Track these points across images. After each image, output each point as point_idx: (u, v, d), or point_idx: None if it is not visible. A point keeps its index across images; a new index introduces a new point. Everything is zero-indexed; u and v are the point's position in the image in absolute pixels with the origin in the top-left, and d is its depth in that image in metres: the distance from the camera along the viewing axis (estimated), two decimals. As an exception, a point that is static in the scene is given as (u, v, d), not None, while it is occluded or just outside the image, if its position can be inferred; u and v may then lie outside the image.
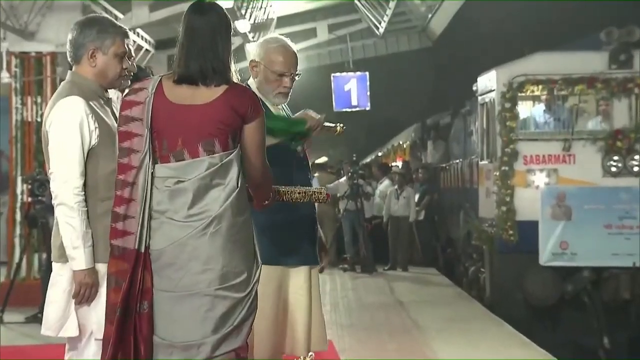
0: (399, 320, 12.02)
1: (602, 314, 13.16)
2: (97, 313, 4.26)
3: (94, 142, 4.32)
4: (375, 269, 18.16)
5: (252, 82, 5.11)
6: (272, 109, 5.07)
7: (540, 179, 13.63)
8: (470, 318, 12.37)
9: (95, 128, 4.33)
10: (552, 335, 13.44)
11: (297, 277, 5.05)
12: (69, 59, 4.52)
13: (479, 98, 15.16)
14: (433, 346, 10.02)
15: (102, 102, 4.46)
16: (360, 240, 18.14)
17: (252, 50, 5.12)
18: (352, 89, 26.51)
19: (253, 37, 24.66)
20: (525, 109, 14.05)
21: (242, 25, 23.35)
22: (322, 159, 21.78)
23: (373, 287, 15.81)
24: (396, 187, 18.70)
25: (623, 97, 13.65)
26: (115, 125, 4.27)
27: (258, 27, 24.77)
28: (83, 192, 4.28)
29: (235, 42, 26.25)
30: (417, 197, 19.70)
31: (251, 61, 5.08)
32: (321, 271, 18.91)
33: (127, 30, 4.60)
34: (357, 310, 12.96)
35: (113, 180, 4.13)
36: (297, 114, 5.15)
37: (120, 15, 14.68)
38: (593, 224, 13.16)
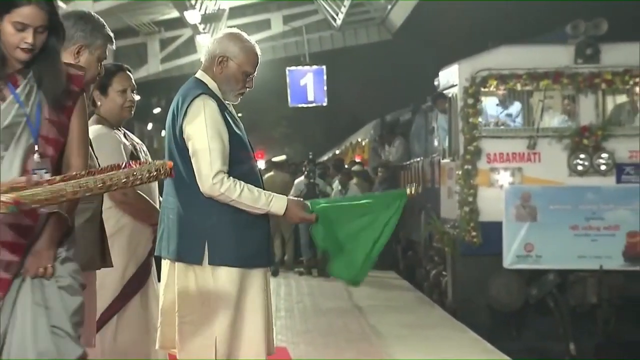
0: (357, 327, 12.06)
1: (568, 319, 13.26)
2: None
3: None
4: (333, 273, 18.19)
5: (204, 76, 5.11)
6: (226, 105, 5.09)
7: (504, 178, 13.72)
8: (431, 324, 12.44)
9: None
10: (516, 341, 13.54)
11: (258, 279, 5.08)
12: None
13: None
14: (393, 353, 10.07)
15: None
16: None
17: (221, 45, 5.09)
18: (308, 84, 26.56)
19: (204, 29, 24.61)
20: (489, 105, 14.15)
21: (192, 16, 23.28)
22: (281, 158, 21.75)
23: (330, 292, 15.84)
24: (340, 187, 18.76)
25: (590, 93, 13.78)
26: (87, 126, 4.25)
27: (209, 19, 24.71)
28: None
29: (185, 33, 26.20)
30: (376, 197, 19.74)
31: (220, 56, 5.08)
32: (275, 274, 18.87)
33: (112, 36, 4.61)
34: (314, 316, 12.98)
35: None
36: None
37: (62, 5, 14.60)
38: (559, 225, 13.27)
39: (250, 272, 5.04)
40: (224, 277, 4.97)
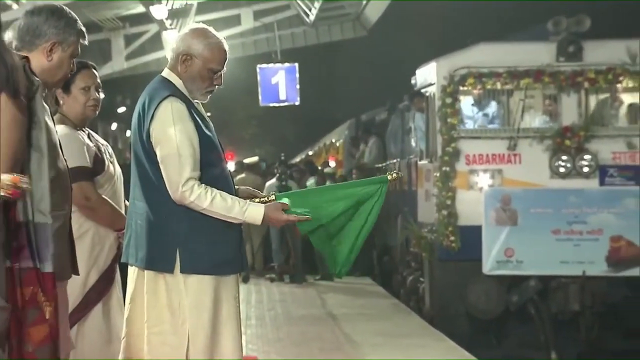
0: (330, 335, 12.07)
1: (550, 327, 13.33)
2: None
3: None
4: (305, 279, 18.21)
5: (170, 75, 5.08)
6: (195, 105, 5.06)
7: (483, 180, 13.76)
8: (408, 332, 12.47)
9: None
10: (496, 349, 13.59)
11: (230, 286, 5.07)
12: (17, 43, 4.43)
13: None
14: (368, 363, 10.09)
15: (44, 101, 4.33)
16: (289, 248, 18.17)
17: (185, 42, 5.06)
18: (280, 82, 26.53)
19: (171, 25, 24.55)
20: (468, 105, 14.19)
21: (158, 11, 23.22)
22: (253, 159, 21.71)
23: (303, 299, 15.84)
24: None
25: (572, 92, 13.84)
26: (54, 126, 4.22)
27: (176, 14, 24.65)
28: None
29: (151, 29, 26.13)
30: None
31: (184, 54, 5.05)
32: (246, 281, 18.87)
33: (84, 32, 4.56)
34: (286, 324, 12.98)
35: (51, 191, 4.08)
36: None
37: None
38: (540, 229, 13.32)
39: (224, 279, 5.02)
40: (197, 285, 4.95)
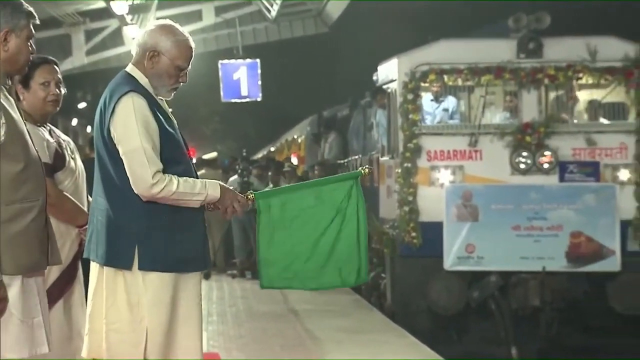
0: (292, 332, 12.08)
1: (510, 323, 13.41)
2: (8, 332, 4.20)
3: (1, 138, 4.17)
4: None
5: (134, 71, 5.07)
6: (158, 102, 5.06)
7: (445, 176, 13.82)
8: (369, 328, 12.50)
9: (3, 124, 4.19)
10: (457, 345, 13.66)
11: (192, 284, 5.06)
12: None
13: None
14: (329, 359, 10.11)
15: (7, 93, 4.33)
16: (251, 244, 18.16)
17: (152, 38, 5.04)
18: (242, 78, 26.50)
19: (131, 20, 24.45)
20: (429, 101, 14.25)
21: (119, 7, 23.12)
22: (212, 155, 21.65)
23: (264, 295, 15.83)
24: (271, 186, 18.77)
25: (532, 89, 13.93)
26: (21, 119, 4.20)
27: (137, 9, 24.55)
28: None
29: (112, 24, 26.01)
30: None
31: (151, 50, 5.03)
32: (207, 277, 18.78)
33: (33, 11, 4.53)
34: (247, 321, 12.98)
35: (21, 181, 4.06)
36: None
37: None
38: (501, 225, 13.41)
39: (184, 277, 5.02)
40: (156, 282, 4.94)
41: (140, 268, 4.92)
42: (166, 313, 4.94)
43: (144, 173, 4.85)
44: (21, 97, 5.59)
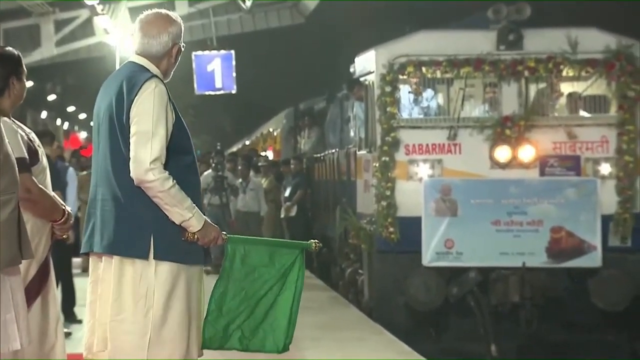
0: (267, 329, 12.09)
1: (490, 319, 13.47)
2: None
3: None
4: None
5: (142, 60, 5.17)
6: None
7: (423, 170, 13.84)
8: (346, 325, 12.54)
9: None
10: (435, 342, 13.70)
11: (197, 279, 5.20)
12: None
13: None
14: (305, 356, 10.14)
15: None
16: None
17: (169, 33, 5.15)
18: (216, 70, 26.44)
19: (102, 10, 24.36)
20: (407, 93, 14.26)
21: (90, -4, 22.98)
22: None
23: (239, 292, 15.84)
24: (240, 179, 18.83)
25: (512, 81, 13.96)
26: None
27: (108, -1, 24.40)
28: None
29: (82, 15, 25.90)
30: (288, 191, 19.84)
31: (174, 44, 5.18)
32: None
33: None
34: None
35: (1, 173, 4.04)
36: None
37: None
38: (480, 220, 13.44)
39: (191, 271, 5.14)
40: (168, 272, 5.03)
41: (155, 257, 4.99)
42: (177, 304, 5.03)
43: (145, 156, 4.91)
44: (14, 91, 5.55)
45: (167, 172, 4.95)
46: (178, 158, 5.03)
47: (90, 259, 5.17)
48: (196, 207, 5.06)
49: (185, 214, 5.00)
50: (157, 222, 4.99)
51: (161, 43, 5.16)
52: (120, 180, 5.01)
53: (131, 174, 4.93)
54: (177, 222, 5.02)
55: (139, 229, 4.98)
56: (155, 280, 4.99)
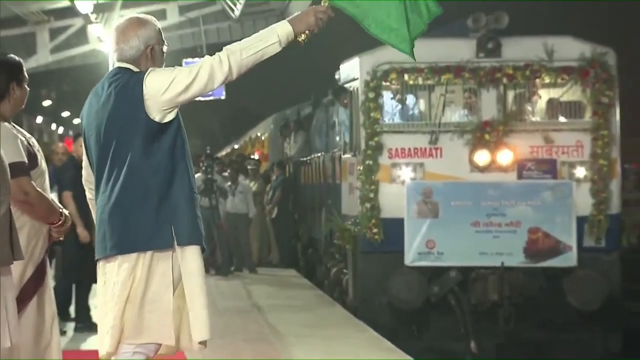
0: (255, 327, 12.11)
1: (469, 318, 13.50)
2: None
3: None
4: (231, 271, 18.25)
5: (129, 65, 5.19)
6: None
7: (405, 173, 13.89)
8: (331, 323, 12.55)
9: None
10: (417, 340, 13.72)
11: (201, 260, 5.24)
12: None
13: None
14: (292, 354, 10.15)
15: None
16: (214, 241, 18.16)
17: (141, 36, 5.17)
18: (206, 77, 26.37)
19: (96, 19, 24.34)
20: (390, 100, 14.30)
21: (83, 6, 23.01)
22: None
23: (228, 291, 15.86)
24: (229, 182, 18.85)
25: (491, 88, 14.01)
26: None
27: (101, 8, 24.44)
28: None
29: (76, 23, 25.87)
30: (271, 193, 19.94)
31: (146, 47, 5.19)
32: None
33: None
34: (211, 316, 12.96)
35: None
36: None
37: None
38: (460, 221, 13.50)
39: (199, 251, 5.21)
40: (192, 254, 5.11)
41: (179, 244, 5.07)
42: (200, 283, 5.13)
43: (209, 67, 4.99)
44: (14, 96, 5.55)
45: (218, 54, 5.00)
46: (179, 164, 5.09)
47: (101, 262, 5.19)
48: (270, 28, 5.06)
49: (270, 41, 5.04)
50: (171, 212, 5.06)
51: (133, 47, 5.17)
52: (126, 180, 5.06)
53: (216, 84, 5.03)
54: (274, 51, 5.04)
55: (157, 222, 5.04)
56: (183, 264, 5.08)
